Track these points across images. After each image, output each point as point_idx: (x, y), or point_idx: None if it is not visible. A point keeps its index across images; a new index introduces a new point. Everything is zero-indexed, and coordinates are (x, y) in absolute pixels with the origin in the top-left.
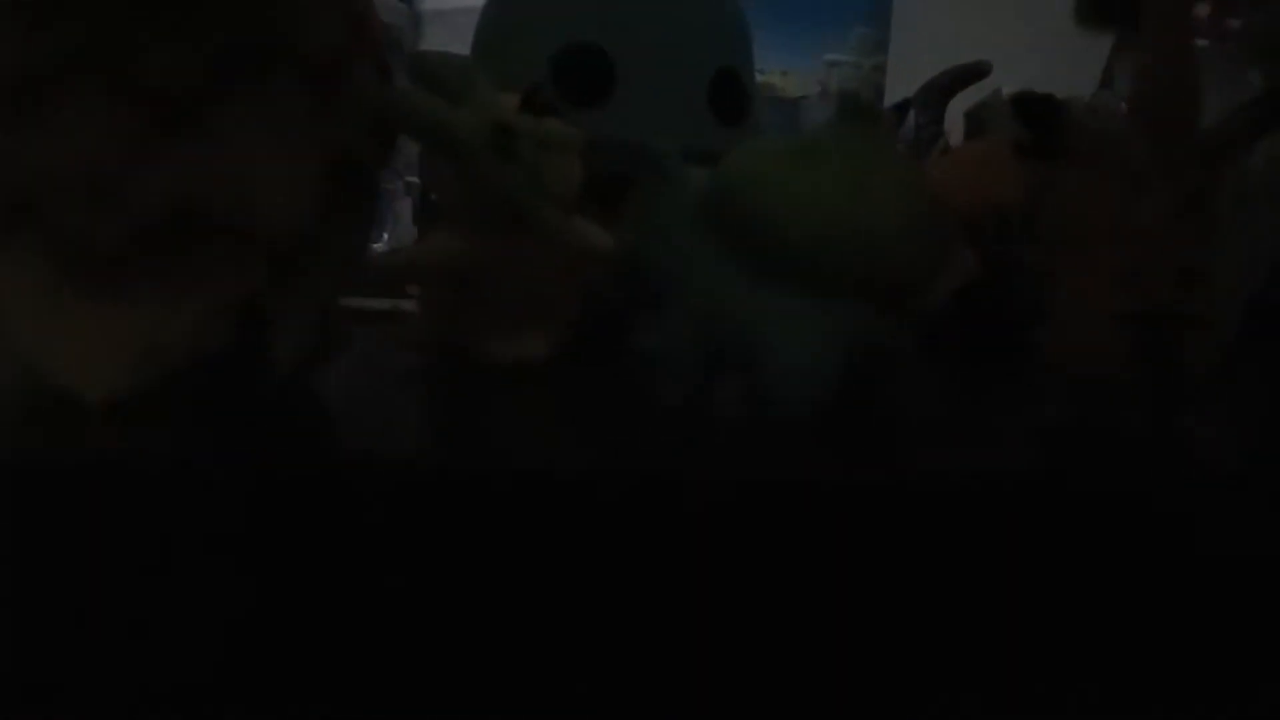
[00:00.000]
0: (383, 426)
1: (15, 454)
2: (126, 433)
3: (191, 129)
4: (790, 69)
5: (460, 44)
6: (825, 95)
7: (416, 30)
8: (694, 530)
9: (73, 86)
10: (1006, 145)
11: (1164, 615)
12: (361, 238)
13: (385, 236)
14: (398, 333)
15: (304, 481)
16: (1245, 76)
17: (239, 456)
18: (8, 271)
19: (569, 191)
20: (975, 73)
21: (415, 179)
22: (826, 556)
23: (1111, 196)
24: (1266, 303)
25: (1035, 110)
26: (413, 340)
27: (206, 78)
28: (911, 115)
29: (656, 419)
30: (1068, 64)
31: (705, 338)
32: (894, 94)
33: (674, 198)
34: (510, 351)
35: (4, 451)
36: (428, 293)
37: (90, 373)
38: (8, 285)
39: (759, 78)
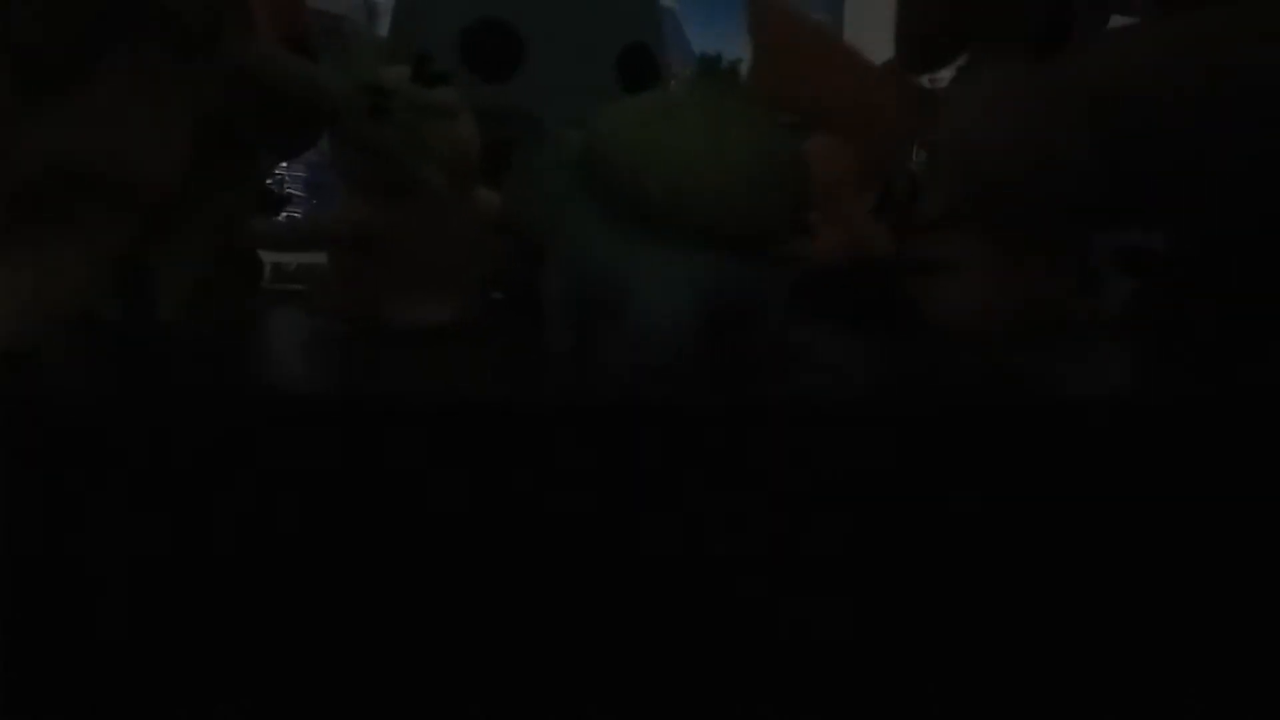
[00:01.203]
0: (279, 369)
1: None
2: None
3: (64, 88)
4: (744, 57)
5: None
6: None
7: (370, 19)
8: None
9: None
10: None
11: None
12: (242, 193)
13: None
14: (309, 298)
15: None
16: None
17: (128, 401)
18: None
19: (458, 156)
20: None
21: None
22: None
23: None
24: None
25: None
26: (323, 306)
27: (76, 38)
28: None
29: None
30: None
31: (582, 288)
32: None
33: (549, 157)
34: (417, 315)
35: None
36: (336, 259)
37: None
38: None
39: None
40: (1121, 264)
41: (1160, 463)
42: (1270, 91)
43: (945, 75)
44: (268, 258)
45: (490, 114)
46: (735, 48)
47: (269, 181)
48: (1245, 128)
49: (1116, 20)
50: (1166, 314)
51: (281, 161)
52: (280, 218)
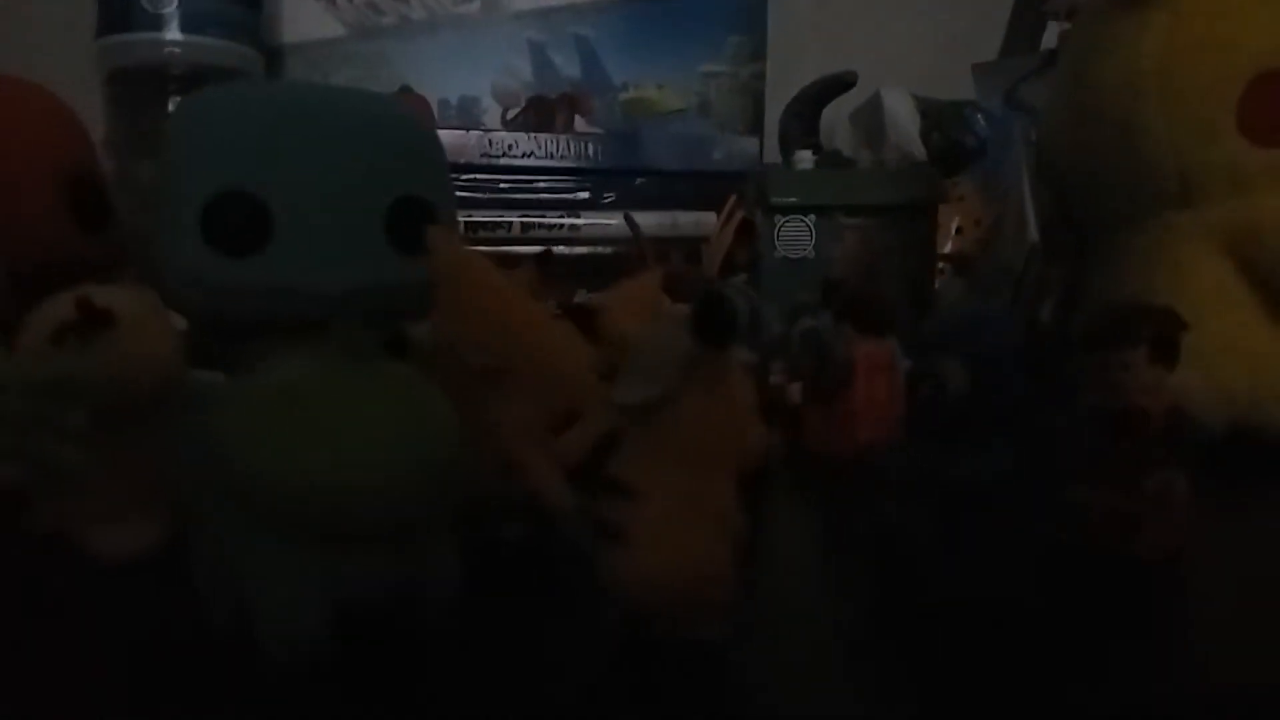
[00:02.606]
0: None
1: None
2: None
3: None
4: (666, 82)
5: (320, 77)
6: (705, 107)
7: (268, 69)
8: None
9: None
10: None
11: None
12: None
13: None
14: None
15: None
16: None
17: None
18: None
19: (126, 390)
20: (842, 83)
21: None
22: None
23: None
24: None
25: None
26: (36, 528)
27: None
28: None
29: None
30: (949, 60)
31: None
32: (775, 99)
33: (192, 428)
34: (118, 542)
35: None
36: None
37: None
38: None
39: (631, 94)
40: None
41: None
42: None
43: None
44: None
45: (235, 294)
46: (658, 74)
47: None
48: None
49: None
50: None
51: None
52: None
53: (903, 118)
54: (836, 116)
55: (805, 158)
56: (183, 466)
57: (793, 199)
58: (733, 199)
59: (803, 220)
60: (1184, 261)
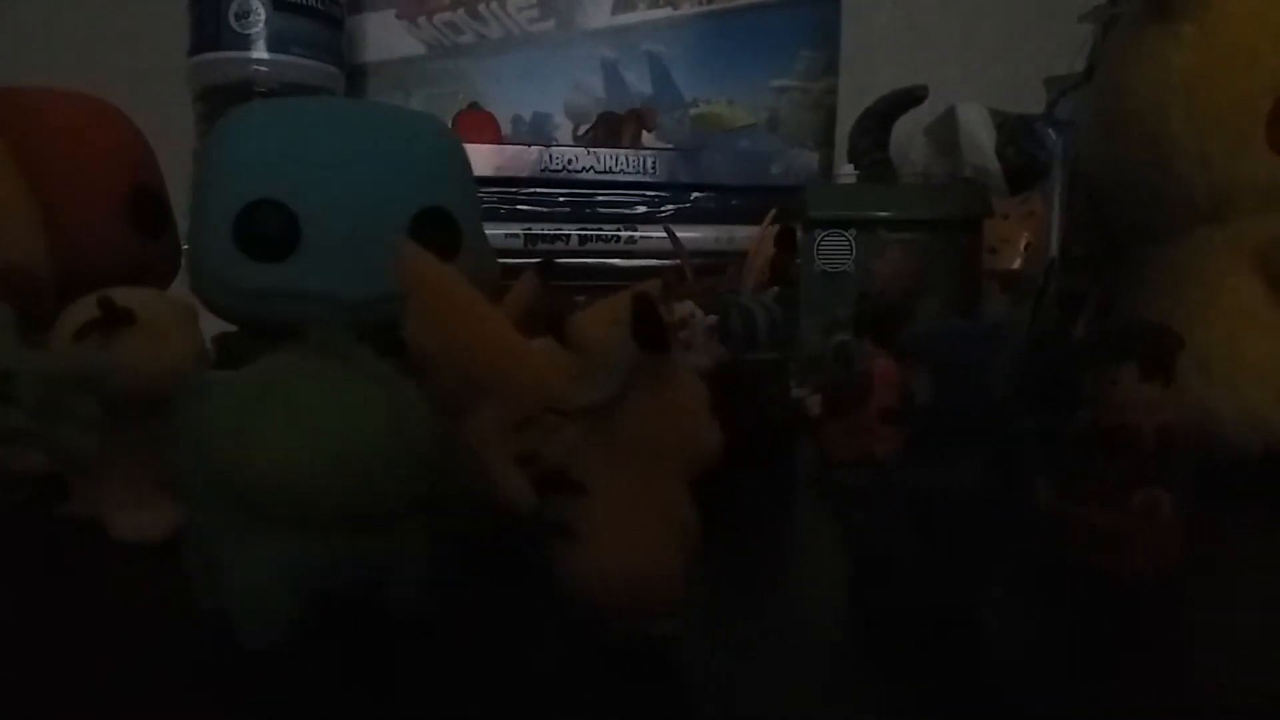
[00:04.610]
0: None
1: None
2: None
3: None
4: (736, 98)
5: (401, 94)
6: (774, 122)
7: (350, 87)
8: None
9: None
10: None
11: None
12: None
13: None
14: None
15: None
16: None
17: None
18: None
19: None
20: (913, 97)
21: None
22: None
23: None
24: None
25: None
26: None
27: None
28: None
29: None
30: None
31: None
32: (847, 115)
33: (193, 414)
34: (139, 526)
35: None
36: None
37: None
38: None
39: (701, 110)
40: None
41: None
42: None
43: None
44: None
45: (264, 297)
46: (728, 89)
47: None
48: None
49: None
50: None
51: None
52: None
53: (978, 132)
54: (913, 131)
55: (847, 171)
56: (175, 455)
57: (832, 212)
58: (772, 212)
59: (843, 235)
60: (1215, 278)
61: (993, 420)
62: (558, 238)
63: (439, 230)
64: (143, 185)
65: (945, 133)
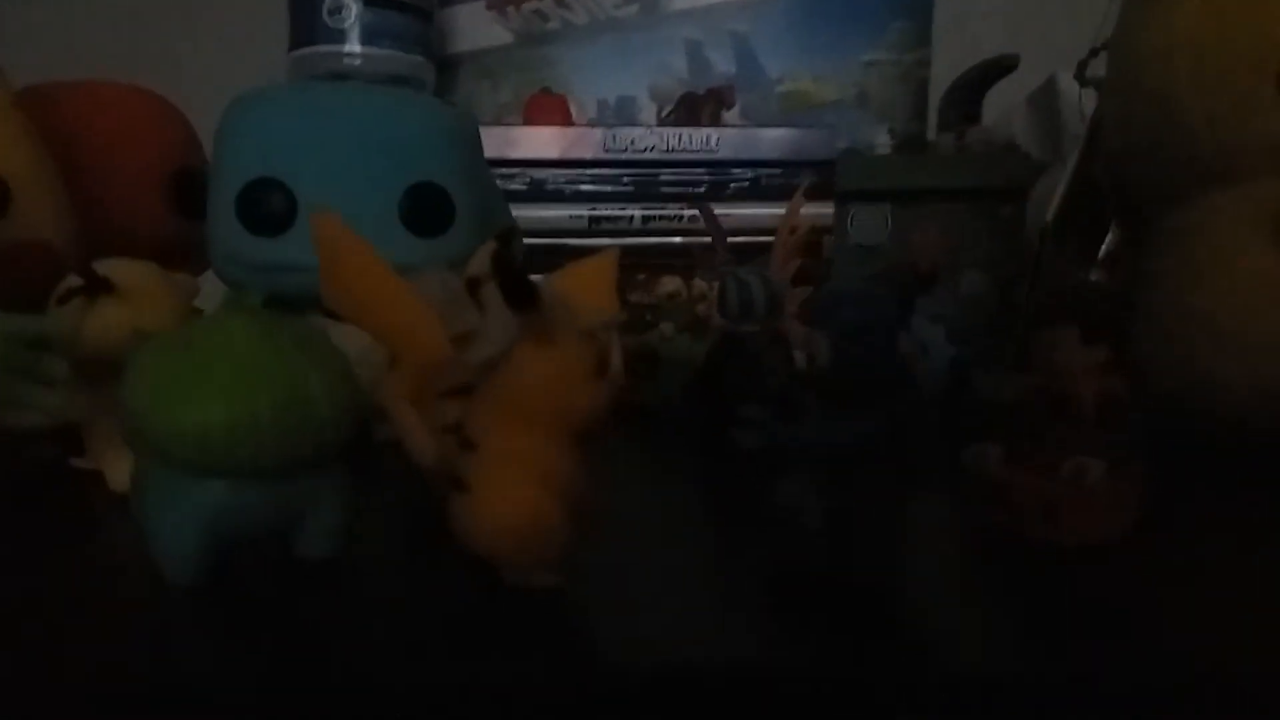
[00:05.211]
0: None
1: None
2: None
3: None
4: (823, 74)
5: (490, 83)
6: (862, 97)
7: (440, 77)
8: None
9: None
10: None
11: None
12: None
13: None
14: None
15: None
16: None
17: None
18: None
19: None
20: (1003, 67)
21: None
22: None
23: None
24: None
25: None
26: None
27: None
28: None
29: None
30: None
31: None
32: (940, 86)
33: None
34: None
35: None
36: None
37: None
38: None
39: (786, 87)
40: None
41: None
42: None
43: None
44: None
45: (265, 269)
46: (815, 66)
47: None
48: None
49: None
50: None
51: None
52: None
53: (1078, 101)
54: (1015, 101)
55: (883, 143)
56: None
57: (863, 184)
58: (804, 184)
59: (877, 207)
60: (1227, 244)
61: (889, 381)
62: (621, 218)
63: (430, 205)
64: (184, 169)
65: (1046, 101)
